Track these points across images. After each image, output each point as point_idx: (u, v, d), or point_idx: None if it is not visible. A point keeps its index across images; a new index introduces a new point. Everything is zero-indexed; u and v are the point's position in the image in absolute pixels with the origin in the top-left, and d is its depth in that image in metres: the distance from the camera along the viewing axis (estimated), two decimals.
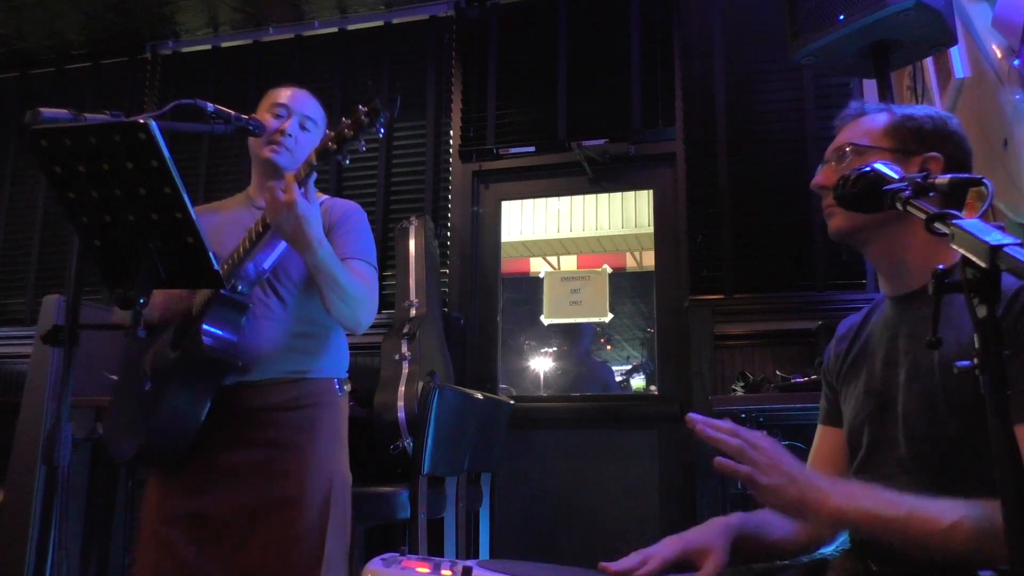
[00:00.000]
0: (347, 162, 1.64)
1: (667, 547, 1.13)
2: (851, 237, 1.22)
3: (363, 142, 1.60)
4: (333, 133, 1.61)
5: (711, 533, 1.15)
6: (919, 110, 1.23)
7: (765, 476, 1.00)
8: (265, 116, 1.90)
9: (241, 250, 1.74)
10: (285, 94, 1.94)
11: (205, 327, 1.70)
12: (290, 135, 1.88)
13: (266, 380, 1.81)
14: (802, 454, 1.40)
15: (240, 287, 1.76)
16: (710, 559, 1.10)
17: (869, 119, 1.24)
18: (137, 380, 1.84)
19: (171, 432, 1.74)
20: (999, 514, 0.87)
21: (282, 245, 1.82)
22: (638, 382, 5.92)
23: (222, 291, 1.72)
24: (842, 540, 1.28)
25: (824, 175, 1.23)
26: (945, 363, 1.05)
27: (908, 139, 1.19)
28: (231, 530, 1.73)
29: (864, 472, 1.20)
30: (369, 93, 1.61)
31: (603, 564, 1.10)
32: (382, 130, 1.58)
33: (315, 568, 1.72)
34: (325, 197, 2.00)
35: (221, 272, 1.70)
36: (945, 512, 0.95)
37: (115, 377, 1.93)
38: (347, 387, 1.95)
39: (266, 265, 1.81)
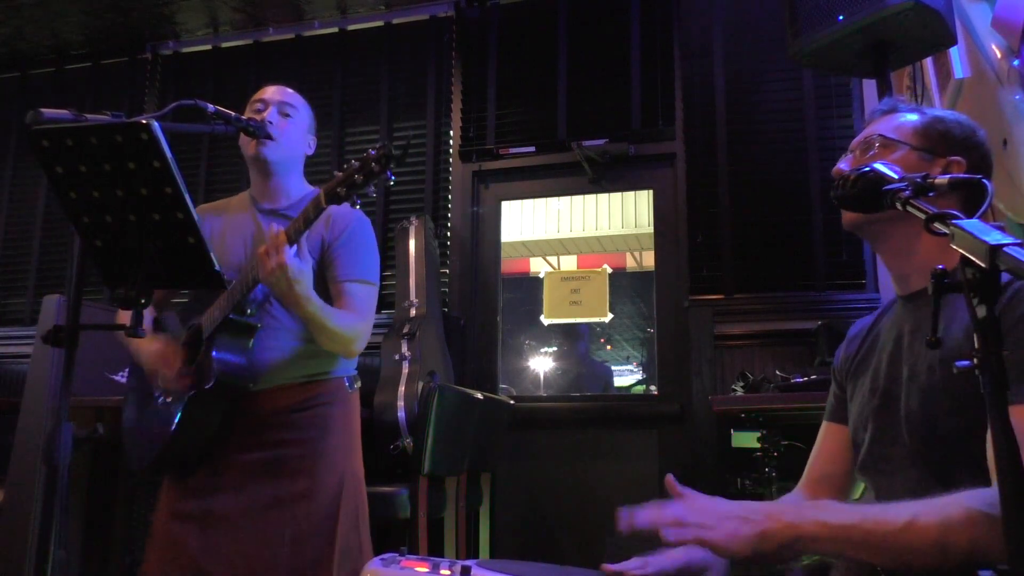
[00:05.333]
0: (359, 203, 1.62)
1: (669, 557, 1.14)
2: (862, 231, 1.23)
3: (373, 187, 1.57)
4: (343, 176, 1.57)
5: None
6: (949, 115, 1.24)
7: (714, 531, 0.96)
8: (248, 117, 1.91)
9: (253, 276, 1.71)
10: (261, 92, 1.96)
11: (215, 355, 1.71)
12: (270, 123, 1.88)
13: (277, 386, 1.83)
14: (802, 454, 1.41)
15: (249, 310, 1.77)
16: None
17: (900, 116, 1.25)
18: (149, 389, 1.85)
19: (184, 443, 1.76)
20: (955, 510, 0.90)
21: None
22: (637, 387, 5.93)
23: (231, 315, 1.73)
24: None
25: (848, 164, 1.24)
26: (947, 361, 1.06)
27: (936, 140, 1.20)
28: (242, 527, 1.74)
29: (867, 468, 1.21)
30: (382, 147, 1.57)
31: (604, 565, 1.11)
32: (392, 176, 1.56)
33: (327, 564, 1.73)
34: None
35: (231, 298, 1.70)
36: (899, 513, 0.94)
37: (116, 377, 1.93)
38: (357, 384, 1.96)
39: None
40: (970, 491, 0.92)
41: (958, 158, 1.18)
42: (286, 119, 1.92)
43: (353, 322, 1.80)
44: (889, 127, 1.24)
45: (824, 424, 1.38)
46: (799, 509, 1.01)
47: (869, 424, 1.20)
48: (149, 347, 1.80)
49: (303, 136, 1.98)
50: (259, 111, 1.91)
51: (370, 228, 1.97)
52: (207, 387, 1.70)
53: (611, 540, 1.19)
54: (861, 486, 1.31)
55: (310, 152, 2.03)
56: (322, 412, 1.85)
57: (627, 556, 1.15)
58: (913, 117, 1.24)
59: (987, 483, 0.92)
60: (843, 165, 1.23)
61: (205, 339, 1.75)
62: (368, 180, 1.56)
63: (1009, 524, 0.71)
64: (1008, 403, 0.74)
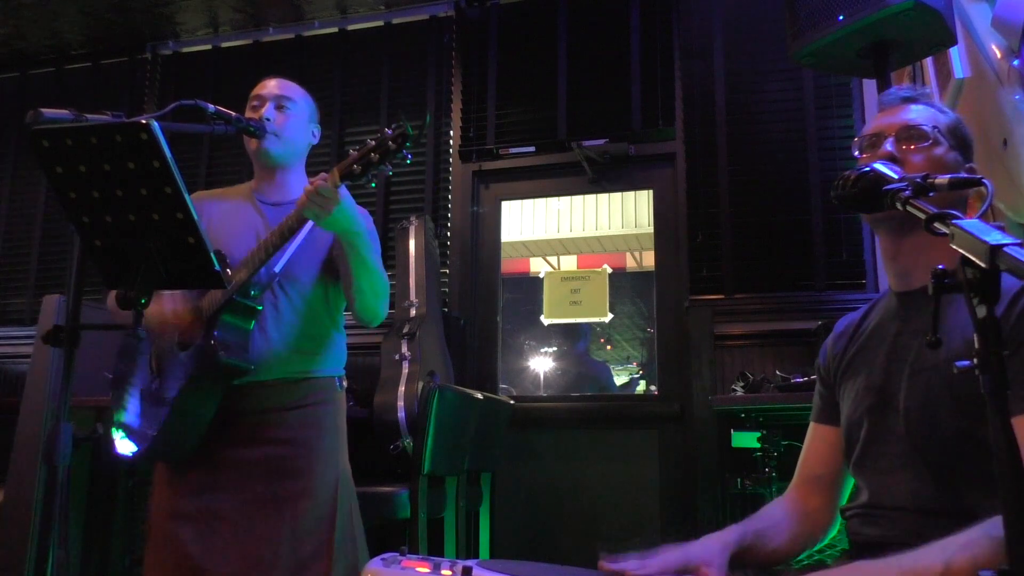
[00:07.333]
0: (373, 185, 1.62)
1: (667, 557, 1.13)
2: (884, 223, 1.20)
3: (390, 166, 1.56)
4: (358, 154, 1.56)
5: (711, 549, 1.14)
6: (960, 117, 1.23)
7: None
8: (248, 115, 1.92)
9: (260, 258, 1.73)
10: (259, 87, 1.97)
11: (217, 335, 1.70)
12: (268, 119, 1.89)
13: (273, 380, 1.84)
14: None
15: (253, 292, 1.76)
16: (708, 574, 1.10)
17: (933, 110, 1.22)
18: (139, 377, 1.84)
19: (180, 431, 1.76)
20: (991, 544, 0.87)
21: (292, 247, 1.82)
22: (639, 387, 5.91)
23: (235, 297, 1.72)
24: (833, 536, 1.29)
25: (893, 146, 1.18)
26: (950, 360, 1.05)
27: (962, 142, 1.20)
28: (241, 525, 1.75)
29: (861, 466, 1.20)
30: (400, 122, 1.56)
31: (603, 564, 1.11)
32: (409, 156, 1.54)
33: (326, 559, 1.75)
34: None
35: (238, 279, 1.70)
36: (933, 561, 0.91)
37: (112, 376, 1.92)
38: (345, 384, 1.99)
39: (277, 268, 1.82)
40: (995, 519, 0.90)
41: (973, 164, 1.17)
42: (284, 112, 1.93)
43: (385, 277, 1.84)
44: (929, 119, 1.20)
45: (812, 425, 1.37)
46: None
47: (864, 422, 1.19)
48: (158, 306, 1.76)
49: (304, 127, 1.98)
50: (256, 108, 1.92)
51: (374, 224, 1.99)
52: (208, 365, 1.69)
53: (603, 545, 1.19)
54: (851, 484, 1.30)
55: (315, 142, 2.04)
56: (315, 412, 1.88)
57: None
58: (941, 114, 1.21)
59: (986, 481, 0.92)
60: (891, 150, 1.18)
61: (206, 320, 1.74)
62: (384, 159, 1.54)
63: (1009, 523, 0.71)
64: (1011, 414, 0.73)
